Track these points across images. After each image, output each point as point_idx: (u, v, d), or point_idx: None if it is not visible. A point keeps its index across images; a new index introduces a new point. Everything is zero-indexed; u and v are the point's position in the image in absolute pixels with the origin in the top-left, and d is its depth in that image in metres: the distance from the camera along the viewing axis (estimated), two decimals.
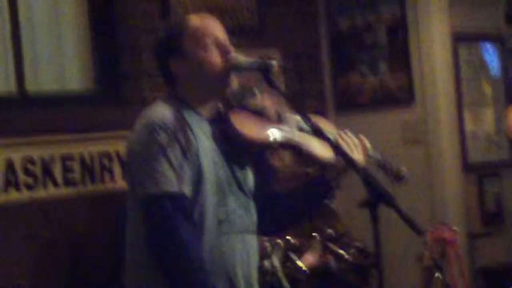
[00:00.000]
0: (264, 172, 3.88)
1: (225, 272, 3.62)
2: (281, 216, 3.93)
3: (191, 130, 3.56)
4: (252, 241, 3.75)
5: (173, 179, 3.47)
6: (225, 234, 3.62)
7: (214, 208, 3.59)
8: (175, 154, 3.50)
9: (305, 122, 3.71)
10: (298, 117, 3.75)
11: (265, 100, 3.86)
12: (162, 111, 3.60)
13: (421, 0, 6.87)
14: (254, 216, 3.76)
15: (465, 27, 6.97)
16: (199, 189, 3.54)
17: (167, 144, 3.51)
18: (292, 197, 3.92)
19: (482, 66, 7.17)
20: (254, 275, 3.78)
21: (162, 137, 3.52)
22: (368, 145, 3.85)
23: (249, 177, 3.78)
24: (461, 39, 6.95)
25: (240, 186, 3.71)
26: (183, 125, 3.55)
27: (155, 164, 3.49)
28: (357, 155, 3.78)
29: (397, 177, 3.90)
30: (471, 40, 7.05)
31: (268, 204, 3.84)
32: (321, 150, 3.76)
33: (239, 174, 3.71)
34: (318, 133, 3.66)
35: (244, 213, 3.70)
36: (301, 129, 3.76)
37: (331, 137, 3.75)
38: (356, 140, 3.82)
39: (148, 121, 3.58)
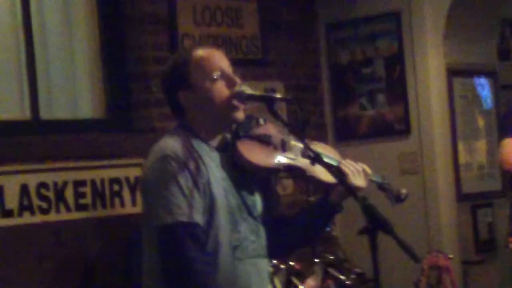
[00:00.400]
0: (270, 197, 3.87)
1: None
2: (286, 241, 3.88)
3: (202, 160, 3.54)
4: (264, 265, 3.73)
5: (185, 209, 3.45)
6: (239, 260, 3.60)
7: (227, 235, 3.57)
8: (187, 183, 3.48)
9: (308, 150, 3.65)
10: (301, 145, 3.70)
11: (270, 129, 3.80)
12: (172, 143, 3.56)
13: (417, 35, 6.88)
14: (264, 241, 3.73)
15: (459, 62, 7.00)
16: (212, 217, 3.52)
17: (179, 174, 3.49)
18: (297, 221, 3.86)
19: (475, 100, 7.17)
20: None
21: (174, 167, 3.48)
22: (369, 171, 3.79)
23: (258, 203, 3.74)
24: (455, 73, 6.97)
25: (250, 213, 3.68)
26: (193, 155, 3.53)
27: (168, 193, 3.47)
28: (360, 181, 3.73)
29: (398, 198, 3.86)
30: (465, 75, 7.08)
31: (274, 228, 3.80)
32: (324, 175, 3.73)
33: (249, 201, 3.68)
34: (319, 159, 3.63)
35: (255, 238, 3.68)
36: (305, 157, 3.70)
37: (334, 163, 3.77)
38: (358, 167, 3.77)
39: (160, 153, 3.54)
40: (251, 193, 3.73)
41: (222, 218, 3.57)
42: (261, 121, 3.73)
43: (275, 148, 3.72)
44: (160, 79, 3.80)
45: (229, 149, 3.68)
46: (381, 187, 3.85)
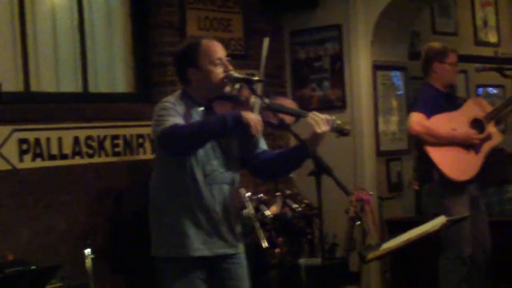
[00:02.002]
0: (247, 142, 3.72)
1: (207, 209, 3.59)
2: (270, 171, 3.79)
3: (189, 111, 3.58)
4: (229, 191, 3.67)
5: (173, 118, 3.48)
6: (209, 185, 3.59)
7: (201, 165, 3.57)
8: (176, 111, 3.52)
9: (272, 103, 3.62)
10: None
11: (244, 91, 3.74)
12: (170, 97, 3.64)
13: (352, 40, 6.82)
14: (233, 173, 3.68)
15: (381, 60, 6.93)
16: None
17: (169, 107, 3.53)
18: (283, 158, 3.74)
19: (392, 87, 7.10)
20: (233, 215, 3.70)
21: (167, 105, 3.55)
22: (328, 117, 3.62)
23: (233, 146, 3.67)
24: (378, 68, 6.91)
25: (222, 152, 3.64)
26: (183, 106, 3.57)
27: (163, 114, 3.51)
28: (324, 127, 3.57)
29: (343, 132, 3.70)
30: (385, 69, 7.00)
31: (261, 162, 3.73)
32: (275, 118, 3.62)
33: (222, 144, 3.64)
34: (279, 109, 3.61)
35: (224, 170, 3.63)
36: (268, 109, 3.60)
37: (301, 113, 3.66)
38: (322, 116, 3.60)
39: (161, 101, 3.64)
40: (226, 138, 3.64)
41: (198, 152, 3.55)
42: (237, 86, 3.68)
43: (242, 105, 3.62)
44: (174, 56, 3.78)
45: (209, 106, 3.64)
46: (334, 127, 3.66)
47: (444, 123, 5.44)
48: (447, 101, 5.58)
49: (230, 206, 3.68)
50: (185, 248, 3.59)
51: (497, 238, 5.69)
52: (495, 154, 6.83)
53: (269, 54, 3.81)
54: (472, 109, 5.55)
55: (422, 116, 5.37)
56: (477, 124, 5.49)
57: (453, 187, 5.35)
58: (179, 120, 3.50)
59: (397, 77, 7.17)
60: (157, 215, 3.69)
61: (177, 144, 3.45)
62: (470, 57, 8.06)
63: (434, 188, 5.43)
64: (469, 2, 8.98)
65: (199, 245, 3.60)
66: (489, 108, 5.59)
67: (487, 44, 9.20)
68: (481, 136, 5.44)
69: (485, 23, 9.23)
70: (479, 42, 9.06)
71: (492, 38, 9.35)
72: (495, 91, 9.34)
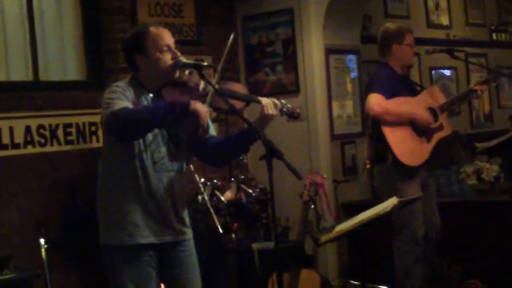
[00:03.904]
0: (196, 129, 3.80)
1: (155, 196, 3.60)
2: (221, 156, 3.82)
3: (139, 98, 3.59)
4: (177, 178, 3.69)
5: (122, 102, 3.48)
6: (157, 172, 3.61)
7: (151, 152, 3.59)
8: (125, 96, 3.53)
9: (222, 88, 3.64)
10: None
11: (193, 77, 3.75)
12: (119, 83, 3.65)
13: (304, 24, 6.84)
14: (180, 161, 3.70)
15: (334, 44, 6.96)
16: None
17: (118, 91, 3.55)
18: (229, 143, 3.78)
19: (345, 70, 7.13)
20: (180, 203, 3.72)
21: (116, 88, 3.56)
22: (278, 102, 3.67)
23: (181, 132, 3.68)
24: (331, 51, 6.94)
25: (171, 139, 3.65)
26: (132, 92, 3.57)
27: (112, 97, 3.51)
28: (272, 110, 3.62)
29: (293, 115, 3.75)
30: (338, 53, 7.03)
31: (211, 148, 3.75)
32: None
33: (171, 130, 3.65)
34: (227, 94, 3.62)
35: (172, 158, 3.66)
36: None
37: (251, 97, 3.69)
38: (269, 100, 3.65)
39: (110, 86, 3.65)
40: (175, 126, 3.65)
41: (147, 139, 3.58)
42: (187, 71, 3.69)
43: (191, 90, 3.65)
44: (122, 43, 3.79)
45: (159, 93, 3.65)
46: (282, 110, 3.71)
47: (402, 105, 5.49)
48: (404, 83, 5.64)
49: (178, 194, 3.70)
50: (133, 235, 3.60)
51: (446, 218, 5.79)
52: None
53: (228, 48, 3.84)
54: (427, 98, 5.64)
55: (381, 97, 5.39)
56: (432, 113, 5.58)
57: (405, 170, 5.42)
58: (128, 105, 3.50)
59: (351, 61, 7.20)
60: (104, 203, 3.69)
61: (124, 128, 3.43)
62: (422, 40, 8.14)
63: (387, 169, 5.48)
64: None
65: (147, 232, 3.61)
66: (443, 100, 5.68)
67: (439, 26, 9.31)
68: (436, 124, 5.54)
69: (437, 5, 9.33)
70: (431, 25, 9.16)
71: (444, 20, 9.46)
72: (448, 73, 9.47)
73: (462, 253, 6.16)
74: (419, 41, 7.82)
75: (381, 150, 5.50)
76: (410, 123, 5.48)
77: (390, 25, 5.77)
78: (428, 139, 5.55)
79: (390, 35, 5.62)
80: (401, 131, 5.44)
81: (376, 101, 5.39)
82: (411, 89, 5.70)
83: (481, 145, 6.28)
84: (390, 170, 5.46)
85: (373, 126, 5.52)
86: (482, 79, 5.86)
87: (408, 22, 8.54)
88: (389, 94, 5.44)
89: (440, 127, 5.59)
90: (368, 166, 5.97)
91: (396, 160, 5.40)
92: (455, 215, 6.23)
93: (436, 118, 5.57)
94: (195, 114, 3.42)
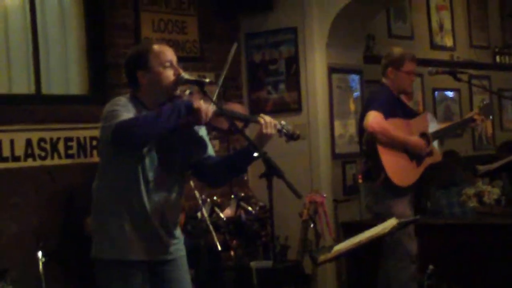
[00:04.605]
0: (198, 148, 3.76)
1: (147, 215, 3.58)
2: (220, 175, 3.79)
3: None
4: (171, 197, 3.66)
5: (126, 114, 3.47)
6: (150, 191, 3.59)
7: (146, 171, 3.57)
8: (127, 108, 3.53)
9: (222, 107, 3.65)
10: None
11: (194, 97, 3.76)
12: (120, 97, 3.64)
13: (308, 43, 6.86)
14: (177, 181, 3.68)
15: (337, 63, 6.98)
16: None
17: (120, 106, 3.53)
18: (228, 162, 3.78)
19: (348, 90, 7.15)
20: (172, 222, 3.69)
21: (118, 103, 3.56)
22: (275, 122, 3.67)
23: (177, 152, 3.66)
24: (334, 70, 6.96)
25: (167, 159, 3.63)
26: (134, 108, 3.55)
27: (115, 109, 3.50)
28: (270, 130, 3.64)
29: (292, 137, 3.75)
30: (341, 72, 7.05)
31: (210, 167, 3.73)
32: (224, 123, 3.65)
33: (167, 150, 3.62)
34: (229, 115, 3.61)
35: (168, 177, 3.64)
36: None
37: (250, 117, 3.70)
38: (267, 119, 3.65)
39: (111, 101, 3.64)
40: (172, 146, 3.65)
41: (143, 158, 3.57)
42: (188, 91, 3.70)
43: None
44: (125, 59, 3.76)
45: None
46: (281, 131, 3.71)
47: (399, 127, 5.55)
48: (400, 106, 5.70)
49: (170, 213, 3.68)
50: (124, 251, 3.59)
51: (447, 241, 5.79)
52: (448, 156, 6.97)
53: (231, 59, 3.85)
54: (421, 123, 5.72)
55: (380, 115, 5.44)
56: (425, 138, 5.65)
57: (394, 189, 5.48)
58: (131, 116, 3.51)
59: (354, 81, 7.22)
60: (98, 218, 3.69)
61: (133, 135, 3.42)
62: (426, 61, 8.16)
63: (377, 188, 5.54)
64: (424, 6, 9.11)
65: (138, 249, 3.60)
66: (429, 128, 5.76)
67: (442, 48, 9.33)
68: (428, 149, 5.61)
69: (441, 27, 9.36)
70: (435, 46, 9.19)
71: (448, 42, 9.49)
72: (451, 95, 9.48)
73: (462, 276, 6.14)
74: (423, 62, 7.87)
75: (373, 167, 5.54)
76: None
77: (396, 49, 5.83)
78: (418, 163, 5.61)
79: (390, 58, 5.68)
80: (394, 152, 5.49)
81: (375, 119, 5.43)
82: (406, 113, 5.76)
83: (482, 168, 6.28)
84: (380, 189, 5.51)
85: (368, 143, 5.56)
86: (484, 107, 5.88)
87: (412, 43, 8.57)
88: (388, 113, 5.49)
89: (431, 153, 5.67)
90: (360, 180, 6.00)
91: (387, 179, 5.44)
92: (456, 237, 6.21)
93: (427, 144, 5.63)
94: (198, 111, 3.45)
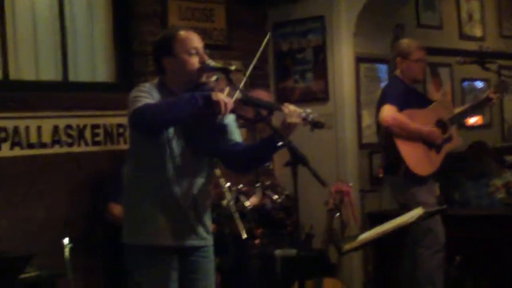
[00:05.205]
0: (224, 134, 3.81)
1: (177, 200, 3.62)
2: (246, 162, 3.81)
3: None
4: (201, 183, 3.70)
5: (147, 100, 3.52)
6: (179, 176, 3.63)
7: (173, 156, 3.61)
8: (152, 95, 3.58)
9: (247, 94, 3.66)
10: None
11: (220, 84, 3.77)
12: (146, 84, 3.70)
13: (335, 32, 6.82)
14: (205, 166, 3.72)
15: (364, 52, 6.95)
16: (167, 138, 3.59)
17: (144, 91, 3.59)
18: (254, 149, 3.81)
19: (375, 79, 7.09)
20: (202, 206, 3.72)
21: (142, 89, 3.62)
22: (300, 110, 3.64)
23: (208, 138, 3.70)
24: (361, 60, 6.93)
25: (195, 144, 3.67)
26: (159, 94, 3.61)
27: (138, 95, 3.55)
28: (295, 119, 3.60)
29: (317, 125, 3.71)
30: (368, 61, 7.02)
31: (237, 154, 3.75)
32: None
33: (198, 135, 3.67)
34: (252, 102, 3.65)
35: (196, 163, 3.68)
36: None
37: (272, 105, 3.72)
38: (292, 108, 3.63)
39: (137, 85, 3.71)
40: (200, 132, 3.68)
41: (171, 143, 3.60)
42: (214, 78, 3.72)
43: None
44: (152, 45, 3.81)
45: None
46: (305, 119, 3.68)
47: (414, 118, 5.66)
48: (415, 96, 5.81)
49: (200, 199, 3.71)
50: (153, 237, 3.64)
51: (475, 232, 5.78)
52: (476, 147, 6.93)
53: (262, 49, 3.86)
54: (438, 110, 5.83)
55: (395, 108, 5.60)
56: (441, 125, 5.76)
57: (416, 178, 5.59)
58: (152, 102, 3.55)
59: (381, 70, 7.17)
60: (128, 203, 3.75)
61: (148, 122, 3.46)
62: (454, 51, 8.10)
63: (398, 179, 5.66)
64: None
65: (168, 235, 3.64)
66: (453, 111, 5.88)
67: (472, 38, 9.23)
68: (444, 136, 5.71)
69: (470, 16, 9.26)
70: (463, 36, 9.09)
71: (477, 32, 9.39)
72: (481, 85, 9.39)
73: (488, 268, 6.10)
74: (451, 52, 7.81)
75: (393, 160, 5.66)
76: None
77: (403, 40, 6.03)
78: (438, 151, 5.71)
79: (397, 49, 5.87)
80: (412, 142, 5.61)
81: (390, 113, 5.58)
82: (422, 102, 5.86)
83: (510, 158, 6.27)
84: (401, 180, 5.63)
85: (386, 136, 5.69)
86: (499, 84, 5.90)
87: (441, 33, 8.50)
88: (403, 105, 5.61)
89: (449, 139, 5.74)
90: (381, 175, 6.04)
91: (407, 170, 5.56)
92: (483, 228, 6.17)
93: (445, 130, 5.71)
94: (217, 103, 3.43)
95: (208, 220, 3.79)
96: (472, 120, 8.63)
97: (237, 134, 3.82)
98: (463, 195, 6.85)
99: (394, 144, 5.58)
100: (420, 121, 5.66)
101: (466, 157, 7.10)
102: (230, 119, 3.80)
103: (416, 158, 5.59)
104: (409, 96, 5.72)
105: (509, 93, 6.22)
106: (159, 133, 3.58)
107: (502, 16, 9.81)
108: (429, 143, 5.68)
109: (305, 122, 3.68)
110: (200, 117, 3.58)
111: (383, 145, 5.78)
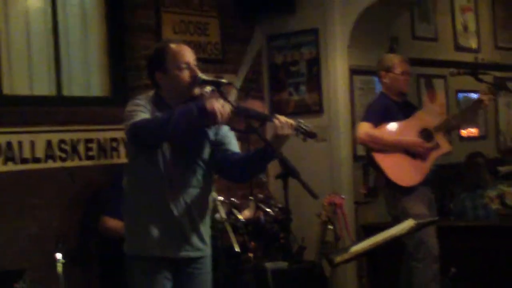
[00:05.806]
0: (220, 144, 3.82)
1: (172, 212, 3.64)
2: (239, 173, 3.81)
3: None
4: (197, 195, 3.72)
5: (144, 114, 3.57)
6: (175, 188, 3.66)
7: (170, 168, 3.63)
8: (147, 109, 3.61)
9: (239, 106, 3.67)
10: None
11: (216, 95, 3.78)
12: (141, 97, 3.74)
13: (329, 45, 6.84)
14: (200, 175, 3.72)
15: (358, 65, 6.96)
16: (159, 149, 3.62)
17: (139, 105, 3.63)
18: (248, 160, 3.79)
19: (370, 91, 7.08)
20: (198, 217, 3.74)
21: (137, 102, 3.66)
22: (292, 122, 3.64)
23: (202, 149, 3.73)
24: (355, 72, 6.95)
25: (191, 155, 3.70)
26: (154, 107, 3.64)
27: (134, 109, 3.60)
28: (286, 130, 3.61)
29: (310, 135, 3.74)
30: (362, 73, 7.04)
31: (229, 164, 3.76)
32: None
33: (192, 147, 3.70)
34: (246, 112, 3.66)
35: (192, 174, 3.70)
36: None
37: (265, 116, 3.75)
38: (283, 119, 3.63)
39: (132, 99, 3.75)
40: (196, 142, 3.71)
41: (167, 155, 3.62)
42: (208, 89, 3.73)
43: None
44: (145, 60, 3.88)
45: None
46: (297, 130, 3.70)
47: (391, 131, 5.69)
48: (402, 110, 5.81)
49: (196, 210, 3.73)
50: (149, 248, 3.67)
51: (470, 243, 5.77)
52: (471, 159, 6.94)
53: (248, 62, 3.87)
54: (423, 119, 5.83)
55: (369, 125, 5.67)
56: (425, 133, 5.75)
57: (402, 189, 5.61)
58: (148, 117, 3.59)
59: (377, 82, 7.13)
60: (127, 215, 3.80)
61: (146, 136, 3.52)
62: (449, 63, 8.11)
63: (388, 192, 5.70)
64: (449, 7, 9.04)
65: (164, 246, 3.68)
66: (441, 118, 5.91)
67: (467, 49, 9.25)
68: (428, 145, 5.70)
69: (465, 28, 9.29)
70: (459, 48, 9.12)
71: (473, 43, 9.41)
72: (475, 96, 9.38)
73: (484, 279, 6.09)
74: (446, 64, 7.82)
75: (378, 174, 5.77)
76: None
77: (385, 55, 6.10)
78: (423, 159, 5.70)
79: (380, 64, 5.93)
80: (392, 156, 5.65)
81: (362, 129, 5.67)
82: (410, 113, 5.86)
83: (503, 169, 6.27)
84: (390, 193, 5.68)
85: (366, 152, 5.78)
86: (488, 88, 5.90)
87: (436, 45, 8.52)
88: (382, 120, 5.67)
89: (436, 146, 5.73)
90: (364, 191, 6.08)
91: (390, 182, 5.60)
92: (478, 239, 6.17)
93: (430, 138, 5.71)
94: (212, 112, 3.45)
95: (205, 231, 3.81)
96: (465, 132, 8.64)
97: (233, 145, 3.85)
98: (459, 206, 6.85)
99: (373, 158, 5.67)
100: (402, 132, 5.69)
101: (462, 168, 7.10)
102: (225, 130, 3.82)
103: (399, 170, 5.61)
104: (392, 111, 5.74)
105: (507, 91, 6.22)
106: (157, 147, 3.62)
107: (497, 28, 9.84)
108: (412, 153, 5.68)
109: (297, 133, 3.70)
110: (196, 127, 3.62)
111: (366, 162, 5.87)
